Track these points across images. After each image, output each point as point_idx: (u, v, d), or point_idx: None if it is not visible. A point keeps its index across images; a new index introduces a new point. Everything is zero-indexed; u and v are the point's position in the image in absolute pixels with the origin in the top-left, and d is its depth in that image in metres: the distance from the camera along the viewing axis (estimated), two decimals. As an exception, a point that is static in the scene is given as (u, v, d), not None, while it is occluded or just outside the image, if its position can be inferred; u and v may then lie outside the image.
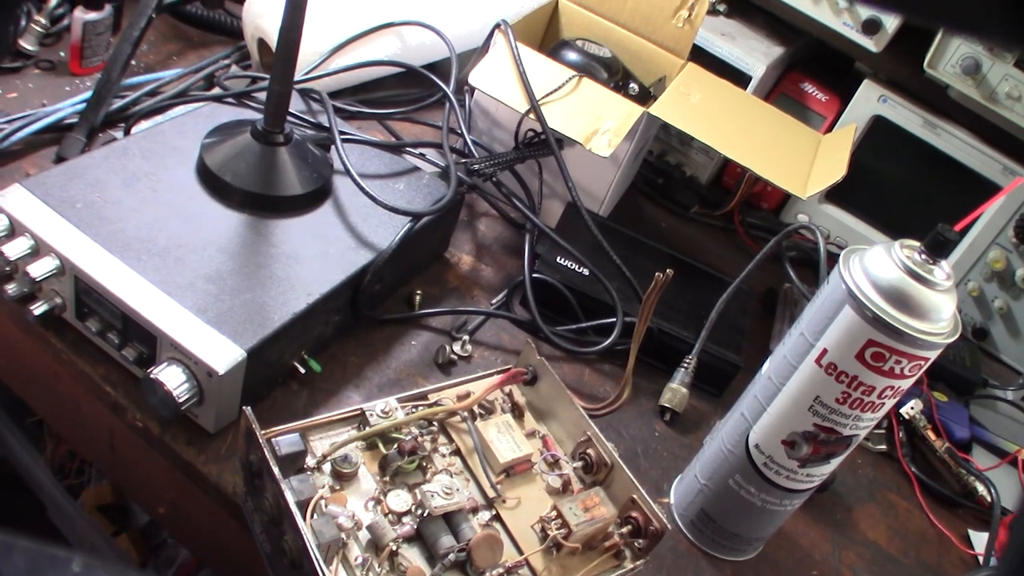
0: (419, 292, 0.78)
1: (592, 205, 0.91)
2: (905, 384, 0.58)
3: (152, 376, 0.59)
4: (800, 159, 0.87)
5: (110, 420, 0.66)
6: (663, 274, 0.62)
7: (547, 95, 0.82)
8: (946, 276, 0.56)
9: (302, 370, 0.67)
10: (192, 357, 0.59)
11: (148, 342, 0.61)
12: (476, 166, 0.79)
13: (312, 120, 0.81)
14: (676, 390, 0.79)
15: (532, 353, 0.68)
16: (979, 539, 0.81)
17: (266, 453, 0.54)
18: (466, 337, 0.76)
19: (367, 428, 0.60)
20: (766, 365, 0.64)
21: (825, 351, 0.58)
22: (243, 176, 0.70)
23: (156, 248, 0.64)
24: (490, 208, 0.91)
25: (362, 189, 0.72)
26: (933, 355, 0.57)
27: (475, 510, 0.60)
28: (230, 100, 0.78)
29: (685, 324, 0.82)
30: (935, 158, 0.99)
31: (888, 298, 0.55)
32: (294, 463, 0.56)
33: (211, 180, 0.70)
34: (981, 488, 0.82)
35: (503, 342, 0.79)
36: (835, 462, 0.63)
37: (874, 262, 0.57)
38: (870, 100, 1.00)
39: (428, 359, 0.75)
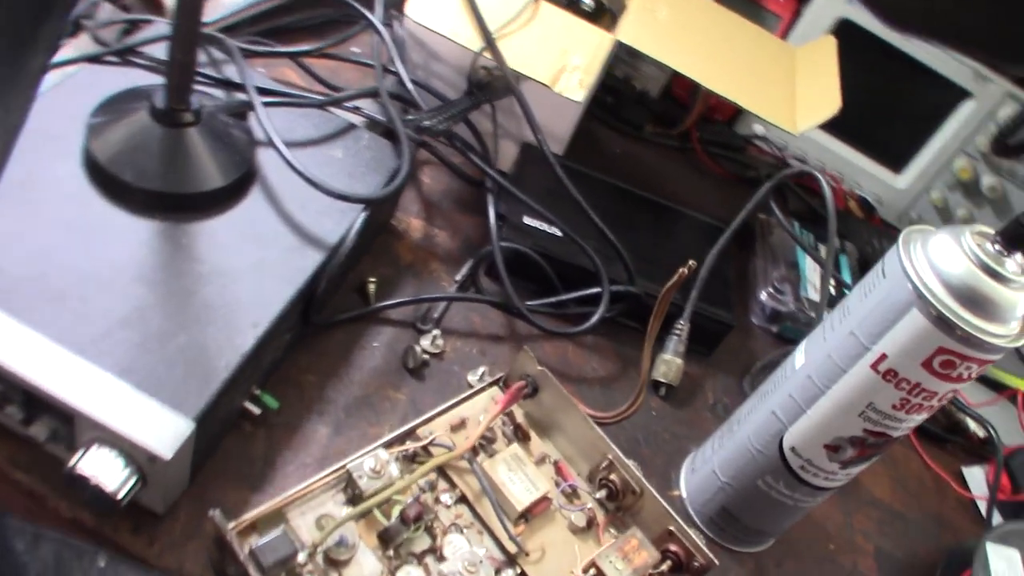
0: (372, 280, 0.66)
1: (553, 147, 0.80)
2: (966, 384, 0.52)
3: (76, 472, 0.46)
4: (781, 82, 0.77)
5: (32, 510, 0.53)
6: (687, 269, 0.53)
7: (502, 27, 0.68)
8: (1020, 270, 0.49)
9: (256, 411, 0.55)
10: (125, 440, 0.46)
11: (62, 418, 0.48)
12: (427, 122, 0.66)
13: (216, 75, 0.65)
14: (670, 362, 0.71)
15: (530, 362, 0.58)
16: (971, 476, 0.79)
17: (250, 570, 0.43)
18: (437, 331, 0.65)
19: (356, 491, 0.50)
20: (800, 357, 0.57)
21: (884, 356, 0.50)
22: (147, 172, 0.55)
23: (50, 289, 0.49)
24: (432, 155, 0.77)
25: (301, 174, 0.58)
26: (1001, 356, 0.50)
27: (498, 570, 0.51)
28: (111, 58, 0.61)
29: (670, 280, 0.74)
30: (904, 64, 0.91)
31: (960, 298, 0.48)
32: (284, 566, 0.45)
33: (106, 180, 0.55)
34: (972, 424, 0.80)
35: (475, 326, 0.69)
36: (876, 458, 0.57)
37: (941, 254, 0.49)
38: (834, 1, 0.90)
39: (395, 363, 0.64)
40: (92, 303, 0.50)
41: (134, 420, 0.46)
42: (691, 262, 0.54)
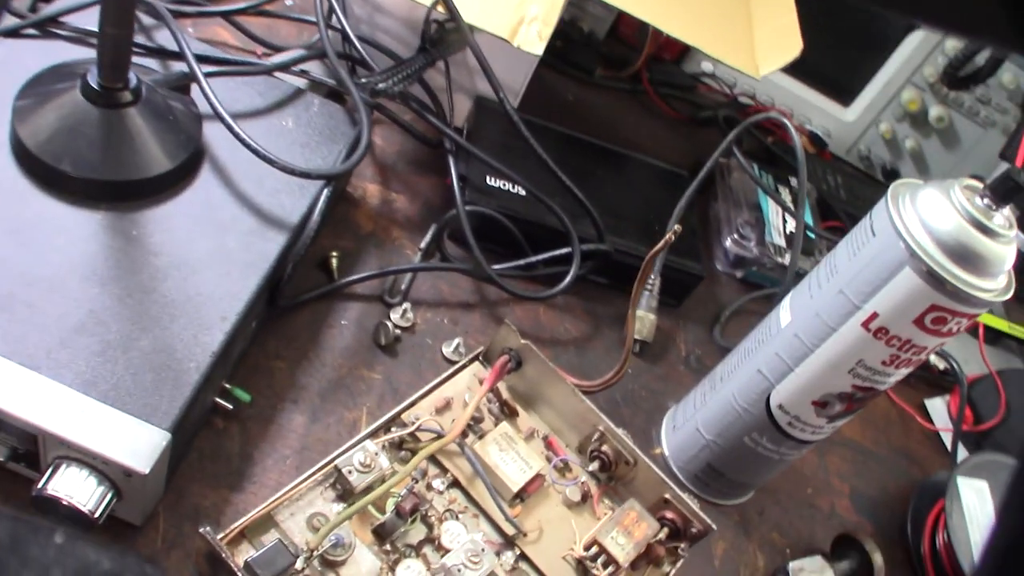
0: (335, 254, 0.63)
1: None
2: (953, 338, 0.52)
3: (45, 494, 0.42)
4: (736, 21, 0.75)
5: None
6: (672, 235, 0.51)
7: (454, -23, 0.64)
8: (1008, 224, 0.48)
9: (228, 406, 0.52)
10: (98, 456, 0.43)
11: (22, 437, 0.44)
12: (382, 84, 0.62)
13: (148, 44, 0.59)
14: (643, 318, 0.70)
15: (512, 336, 0.56)
16: (934, 408, 0.80)
17: (250, 587, 0.41)
18: (406, 304, 0.63)
19: (347, 487, 0.48)
20: (785, 315, 0.56)
21: (876, 315, 0.50)
22: (86, 159, 0.50)
23: (-6, 297, 0.45)
24: (382, 115, 0.73)
25: (257, 152, 0.54)
26: (988, 309, 0.50)
27: (497, 553, 0.50)
28: (31, 31, 0.55)
29: (637, 235, 0.72)
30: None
31: (951, 255, 0.47)
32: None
33: (40, 170, 0.50)
34: (933, 357, 0.81)
35: (445, 295, 0.66)
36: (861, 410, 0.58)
37: (931, 211, 0.48)
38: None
39: (366, 341, 0.61)
40: (41, 310, 0.46)
41: (106, 436, 0.43)
42: (677, 226, 0.52)
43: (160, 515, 0.49)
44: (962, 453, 0.76)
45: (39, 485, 0.43)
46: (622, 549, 0.49)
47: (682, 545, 0.53)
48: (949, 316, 0.49)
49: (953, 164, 0.98)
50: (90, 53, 0.55)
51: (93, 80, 0.50)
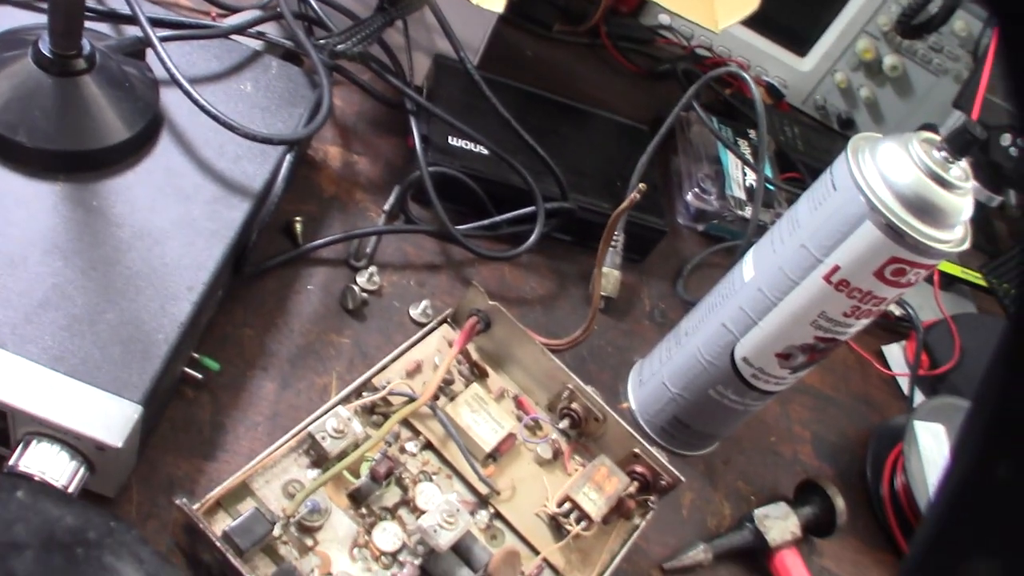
0: (298, 219, 0.62)
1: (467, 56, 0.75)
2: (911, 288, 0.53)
3: (17, 471, 0.42)
4: (696, -27, 0.75)
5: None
6: (637, 193, 0.52)
7: (411, -66, 0.63)
8: (964, 176, 0.49)
9: (197, 375, 0.52)
10: (68, 432, 0.42)
11: (-10, 414, 0.44)
12: (341, 45, 0.61)
13: (99, 7, 0.58)
14: (608, 274, 0.70)
15: (480, 297, 0.56)
16: (890, 353, 0.83)
17: (229, 557, 0.41)
18: (373, 268, 0.62)
19: (320, 453, 0.48)
20: (748, 270, 0.57)
21: (837, 268, 0.51)
22: (42, 130, 0.49)
23: (-47, 275, 0.44)
24: (340, 76, 0.72)
25: (217, 118, 0.53)
26: (945, 259, 0.52)
27: (472, 513, 0.51)
28: (-29, -2, 0.53)
29: (600, 192, 0.72)
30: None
31: (910, 207, 0.48)
32: (260, 543, 0.44)
33: (-6, 141, 0.49)
34: (889, 304, 0.83)
35: (410, 257, 0.66)
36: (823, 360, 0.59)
37: (890, 164, 0.49)
38: None
39: (333, 306, 0.61)
40: (3, 286, 0.45)
41: (76, 411, 0.42)
42: (642, 185, 0.53)
43: (133, 487, 0.49)
44: (919, 397, 0.79)
45: (10, 462, 0.42)
46: (594, 504, 0.51)
47: (652, 498, 0.54)
48: (908, 268, 0.50)
49: (907, 112, 1.00)
50: (41, 19, 0.53)
51: (45, 47, 0.49)
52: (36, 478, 0.42)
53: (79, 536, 0.37)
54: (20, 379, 0.42)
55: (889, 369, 0.81)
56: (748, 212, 0.79)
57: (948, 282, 0.91)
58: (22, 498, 0.27)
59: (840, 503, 0.63)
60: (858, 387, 0.79)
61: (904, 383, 0.80)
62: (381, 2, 0.65)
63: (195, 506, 0.43)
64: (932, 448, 0.69)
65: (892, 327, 0.84)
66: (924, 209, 0.48)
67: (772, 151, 0.88)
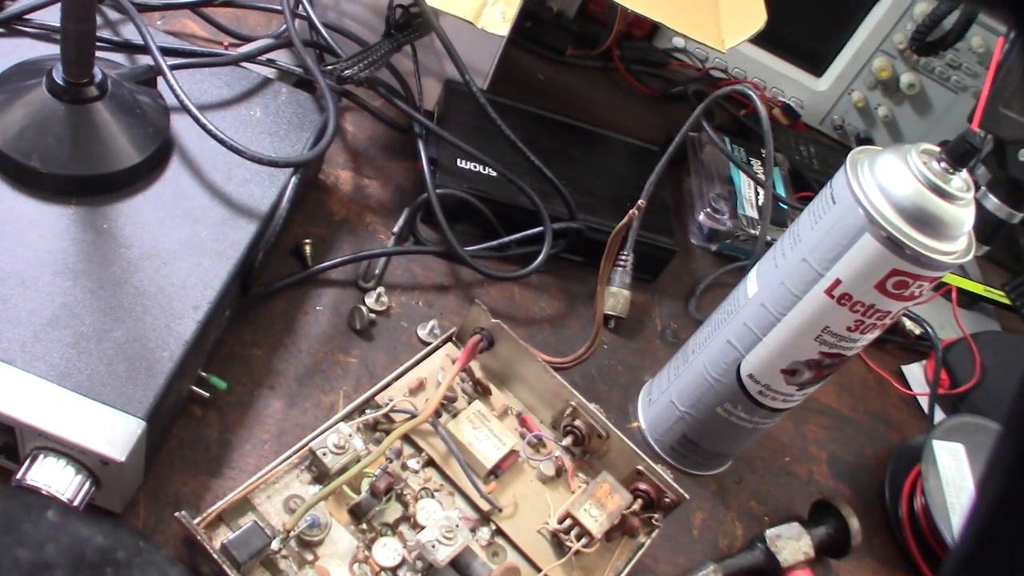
0: (308, 241, 0.63)
1: (477, 81, 0.77)
2: (920, 301, 0.52)
3: (25, 484, 0.43)
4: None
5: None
6: (637, 209, 0.52)
7: (417, -39, 0.64)
8: (966, 187, 0.49)
9: (205, 394, 0.53)
10: (74, 446, 0.43)
11: (0, 429, 0.45)
12: (348, 70, 0.62)
13: (113, 38, 0.60)
14: (618, 294, 0.70)
15: (483, 315, 0.56)
16: (911, 373, 0.81)
17: (226, 568, 0.41)
18: (380, 288, 0.63)
19: (321, 469, 0.49)
20: (752, 286, 0.57)
21: (838, 281, 0.51)
22: (55, 155, 0.51)
23: (-34, 295, 0.46)
24: (351, 102, 0.74)
25: (224, 142, 0.54)
26: (948, 271, 0.51)
27: (473, 530, 0.51)
28: (-9, 31, 0.56)
29: (610, 211, 0.73)
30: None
31: (910, 219, 0.48)
32: (258, 557, 0.44)
33: (9, 167, 0.50)
34: (908, 323, 0.82)
35: (419, 278, 0.67)
36: (831, 376, 0.59)
37: (889, 176, 0.49)
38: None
39: (341, 326, 0.62)
40: (14, 304, 0.46)
41: (82, 426, 0.43)
42: (641, 201, 0.53)
43: (140, 503, 0.49)
44: (939, 416, 0.77)
45: (18, 476, 0.43)
46: (595, 521, 0.50)
47: (656, 515, 0.54)
48: (911, 280, 0.49)
49: (926, 130, 0.99)
50: (55, 49, 0.55)
51: (58, 76, 0.51)
52: (43, 491, 0.43)
53: (109, 556, 0.38)
54: (29, 395, 0.43)
55: (909, 388, 0.80)
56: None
57: (971, 301, 0.89)
58: (52, 518, 0.28)
59: (855, 523, 0.62)
60: (876, 406, 0.78)
61: (924, 402, 0.79)
62: (389, 28, 0.66)
63: (196, 520, 0.44)
64: (951, 468, 0.67)
65: (911, 346, 0.83)
66: (924, 221, 0.48)
67: (787, 170, 0.88)
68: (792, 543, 0.61)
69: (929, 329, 0.80)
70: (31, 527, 0.27)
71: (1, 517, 0.27)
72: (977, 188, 0.86)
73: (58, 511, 0.27)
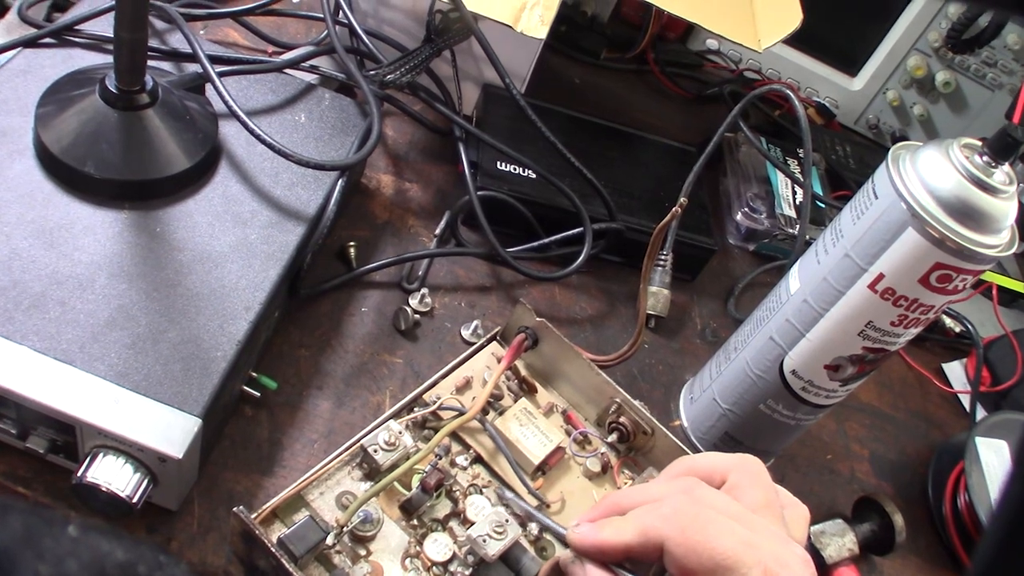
0: (352, 244, 0.64)
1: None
2: (962, 296, 0.52)
3: (85, 481, 0.44)
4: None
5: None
6: (679, 208, 0.52)
7: (456, -33, 0.65)
8: (1008, 180, 0.49)
9: (255, 393, 0.54)
10: (133, 444, 0.45)
11: (60, 428, 0.46)
12: (390, 76, 0.63)
13: (162, 47, 0.61)
14: (658, 293, 0.71)
15: (528, 315, 0.57)
16: (951, 371, 0.81)
17: (284, 562, 0.42)
18: (424, 290, 0.64)
19: (373, 465, 0.49)
20: (794, 282, 0.57)
21: (882, 276, 0.51)
22: (108, 161, 0.52)
23: (26, 298, 0.47)
24: (392, 107, 0.75)
25: (272, 147, 0.55)
26: (992, 264, 0.51)
27: (523, 525, 0.51)
28: (49, 40, 0.57)
29: (648, 212, 0.73)
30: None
31: (952, 213, 0.48)
32: (314, 551, 0.45)
33: (65, 173, 0.52)
34: (948, 321, 0.82)
35: (461, 279, 0.68)
36: (873, 372, 0.58)
37: (931, 170, 0.49)
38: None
39: (387, 327, 0.63)
40: (73, 307, 0.47)
41: (140, 424, 0.45)
42: (683, 199, 0.53)
43: (195, 501, 0.50)
44: (981, 414, 0.77)
45: (78, 474, 0.45)
46: (642, 515, 0.51)
47: (702, 510, 0.54)
48: (954, 274, 0.49)
49: (962, 128, 0.98)
50: (107, 59, 0.57)
51: (111, 84, 0.52)
52: (104, 489, 0.45)
53: (129, 571, 0.39)
54: (89, 394, 0.45)
55: (949, 386, 0.79)
56: (798, 230, 0.79)
57: (1011, 298, 0.89)
58: (73, 533, 0.28)
59: (899, 520, 0.62)
60: (917, 405, 0.78)
61: (966, 400, 0.78)
62: (428, 34, 0.67)
63: (252, 516, 0.45)
64: (995, 465, 0.67)
65: (952, 344, 0.83)
66: (967, 214, 0.48)
67: (823, 169, 0.88)
68: (837, 540, 0.61)
69: (970, 327, 0.79)
70: (52, 542, 0.28)
71: (22, 532, 0.27)
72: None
73: (79, 526, 0.28)
